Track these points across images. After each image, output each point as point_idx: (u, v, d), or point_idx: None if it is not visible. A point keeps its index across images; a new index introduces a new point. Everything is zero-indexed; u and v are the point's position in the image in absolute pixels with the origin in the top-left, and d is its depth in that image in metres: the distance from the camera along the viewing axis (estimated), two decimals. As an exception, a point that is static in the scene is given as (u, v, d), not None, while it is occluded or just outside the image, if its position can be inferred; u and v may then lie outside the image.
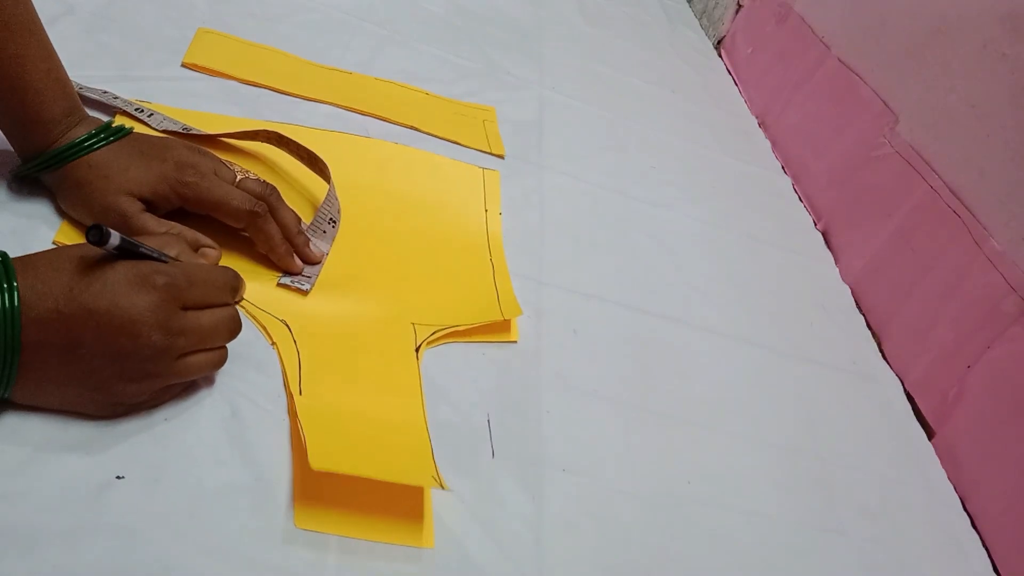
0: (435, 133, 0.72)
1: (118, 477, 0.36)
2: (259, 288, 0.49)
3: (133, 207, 0.46)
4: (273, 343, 0.46)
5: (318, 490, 0.39)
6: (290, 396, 0.43)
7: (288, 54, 0.74)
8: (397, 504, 0.41)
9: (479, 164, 0.71)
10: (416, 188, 0.65)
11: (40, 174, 0.47)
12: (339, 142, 0.65)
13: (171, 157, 0.48)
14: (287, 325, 0.47)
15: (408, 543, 0.40)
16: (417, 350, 0.50)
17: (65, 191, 0.47)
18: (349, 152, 0.64)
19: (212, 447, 0.40)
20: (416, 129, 0.72)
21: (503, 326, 0.55)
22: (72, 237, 0.46)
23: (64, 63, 0.47)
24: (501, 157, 0.74)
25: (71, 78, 0.48)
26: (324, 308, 0.50)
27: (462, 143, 0.73)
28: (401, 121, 0.72)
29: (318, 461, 0.38)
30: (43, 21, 0.45)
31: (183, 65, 0.66)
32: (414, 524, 0.41)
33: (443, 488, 0.41)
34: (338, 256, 0.54)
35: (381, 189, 0.63)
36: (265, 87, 0.68)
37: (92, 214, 0.46)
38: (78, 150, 0.46)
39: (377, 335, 0.50)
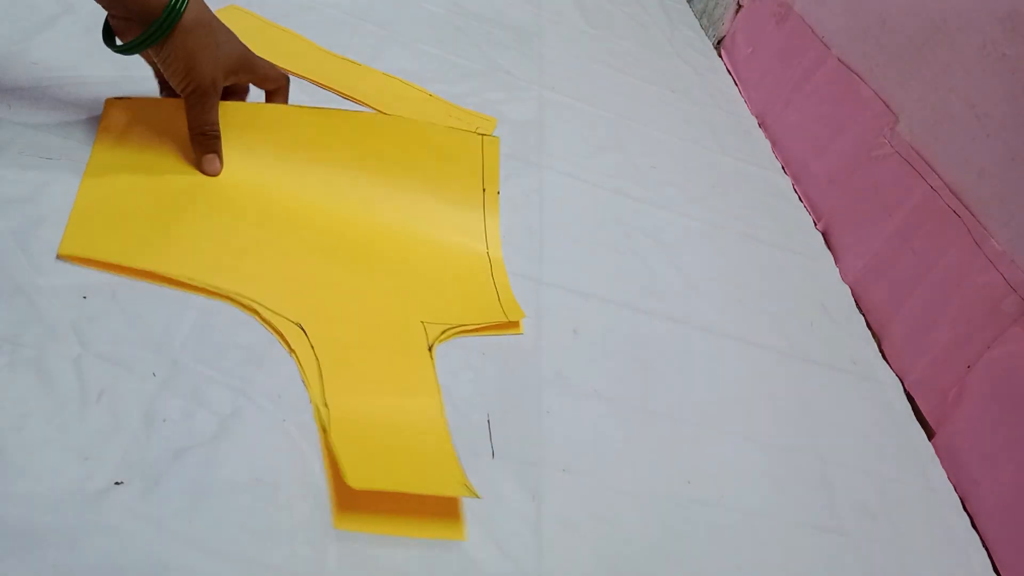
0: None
1: (117, 483, 0.36)
2: (270, 287, 0.49)
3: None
4: (292, 351, 0.45)
5: (355, 494, 0.40)
6: (317, 408, 0.43)
7: (305, 39, 0.76)
8: (430, 500, 0.42)
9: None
10: (410, 168, 0.61)
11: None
12: (324, 118, 0.60)
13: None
14: (302, 329, 0.47)
15: (444, 537, 0.41)
16: (430, 348, 0.50)
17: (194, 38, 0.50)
18: (338, 129, 0.60)
19: (211, 447, 0.40)
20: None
21: (509, 323, 0.56)
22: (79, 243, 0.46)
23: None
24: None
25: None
26: (336, 307, 0.50)
27: None
28: (380, 109, 0.72)
29: (356, 481, 0.38)
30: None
31: None
32: (448, 518, 0.42)
33: (475, 496, 0.42)
34: (341, 251, 0.54)
35: (376, 171, 0.60)
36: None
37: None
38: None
39: (390, 334, 0.50)
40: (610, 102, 0.95)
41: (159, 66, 0.52)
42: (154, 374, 0.41)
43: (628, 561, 0.45)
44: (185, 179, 0.53)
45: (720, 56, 1.29)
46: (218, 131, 0.54)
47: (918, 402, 0.70)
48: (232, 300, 0.47)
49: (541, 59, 0.97)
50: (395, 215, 0.60)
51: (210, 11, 0.52)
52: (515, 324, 0.56)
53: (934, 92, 0.79)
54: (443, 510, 0.42)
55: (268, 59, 0.71)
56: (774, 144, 1.05)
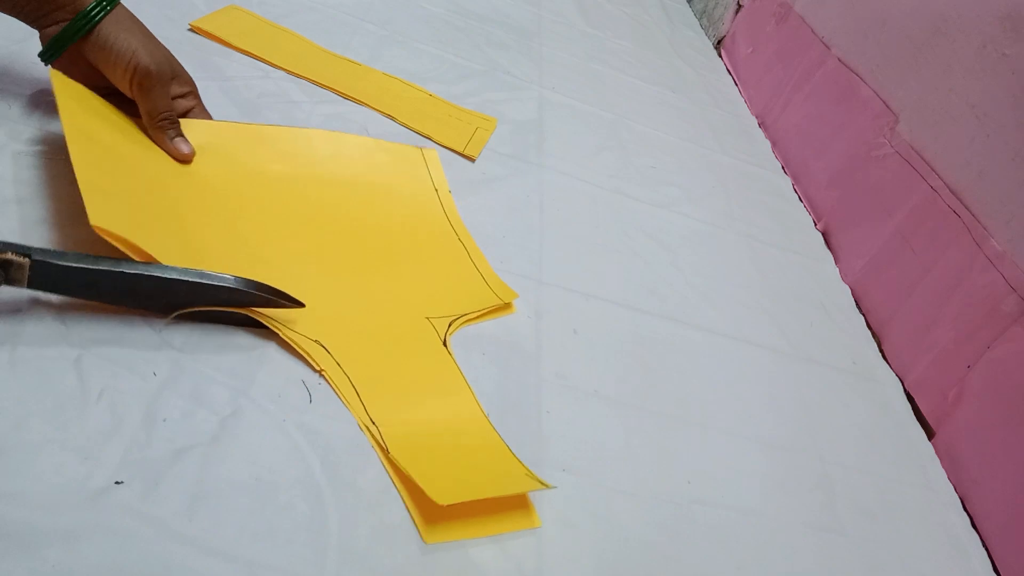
0: (409, 124, 0.72)
1: (117, 483, 0.36)
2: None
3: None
4: (321, 370, 0.45)
5: (433, 507, 0.40)
6: (366, 428, 0.44)
7: (304, 39, 0.77)
8: (500, 496, 0.43)
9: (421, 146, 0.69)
10: (365, 176, 0.63)
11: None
12: (276, 137, 0.61)
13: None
14: (323, 346, 0.46)
15: (522, 527, 0.43)
16: (444, 343, 0.51)
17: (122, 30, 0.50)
18: (293, 146, 0.61)
19: (211, 447, 0.40)
20: (392, 118, 0.72)
21: (503, 304, 0.57)
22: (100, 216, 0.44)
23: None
24: (472, 159, 0.72)
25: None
26: (342, 317, 0.50)
27: (433, 138, 0.72)
28: (380, 108, 0.72)
29: (442, 497, 0.39)
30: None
31: (190, 28, 0.70)
32: (520, 509, 0.44)
33: (547, 487, 0.44)
34: (328, 260, 0.54)
35: (337, 183, 0.61)
36: (266, 62, 0.71)
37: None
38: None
39: (403, 336, 0.50)
40: (610, 102, 0.95)
41: (99, 60, 0.50)
42: (154, 374, 0.41)
43: (628, 561, 0.45)
44: (170, 176, 0.52)
45: (720, 56, 1.29)
46: (175, 115, 0.53)
47: (918, 402, 0.70)
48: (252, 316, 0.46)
49: (541, 59, 0.97)
50: (364, 220, 0.59)
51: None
52: (509, 305, 0.57)
53: (934, 92, 0.79)
54: (513, 502, 0.44)
55: (268, 59, 0.72)
56: (774, 144, 1.05)
